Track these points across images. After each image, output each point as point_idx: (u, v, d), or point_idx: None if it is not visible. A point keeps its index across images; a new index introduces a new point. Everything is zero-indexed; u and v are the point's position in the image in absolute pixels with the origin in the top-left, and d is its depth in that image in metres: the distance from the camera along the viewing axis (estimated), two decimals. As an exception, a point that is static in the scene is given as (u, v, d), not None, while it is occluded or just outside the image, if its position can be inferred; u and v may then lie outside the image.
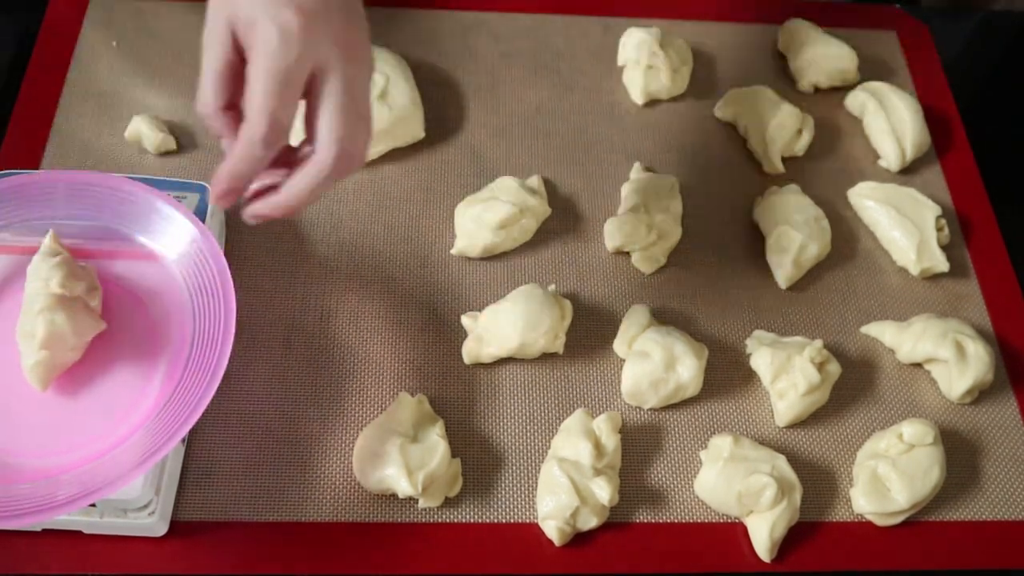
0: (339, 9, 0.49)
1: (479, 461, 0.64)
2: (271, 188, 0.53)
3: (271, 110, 0.48)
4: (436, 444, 0.61)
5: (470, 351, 0.67)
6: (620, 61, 0.85)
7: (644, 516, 0.62)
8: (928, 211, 0.75)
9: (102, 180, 0.63)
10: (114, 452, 0.55)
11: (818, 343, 0.66)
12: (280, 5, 0.47)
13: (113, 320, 0.61)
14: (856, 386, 0.69)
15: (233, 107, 0.51)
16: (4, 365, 0.59)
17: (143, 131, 0.74)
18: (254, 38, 0.48)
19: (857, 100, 0.83)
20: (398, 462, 0.59)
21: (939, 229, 0.75)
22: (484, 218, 0.71)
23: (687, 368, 0.65)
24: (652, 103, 0.83)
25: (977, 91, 0.91)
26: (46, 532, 0.58)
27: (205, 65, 0.50)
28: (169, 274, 0.62)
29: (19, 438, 0.57)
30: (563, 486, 0.60)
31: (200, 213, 0.65)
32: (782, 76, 0.87)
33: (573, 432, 0.62)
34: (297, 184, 0.51)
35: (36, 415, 0.58)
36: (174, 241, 0.62)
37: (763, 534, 0.60)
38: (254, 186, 0.53)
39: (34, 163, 0.73)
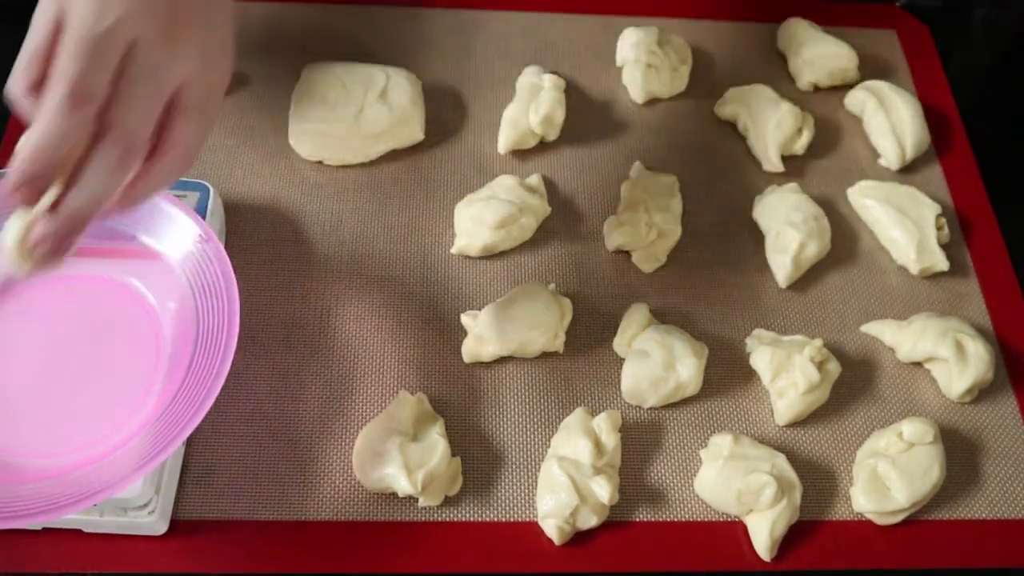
0: None
1: (479, 460, 0.63)
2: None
3: (74, 73, 0.43)
4: (436, 443, 0.61)
5: (470, 350, 0.67)
6: (619, 62, 0.85)
7: (644, 515, 0.62)
8: (928, 210, 0.75)
9: None
10: (118, 452, 0.55)
11: (818, 342, 0.66)
12: None
13: (117, 319, 0.61)
14: (856, 385, 0.69)
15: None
16: (7, 366, 0.59)
17: None
18: (71, 6, 0.44)
19: (857, 99, 0.83)
20: (398, 461, 0.59)
21: (939, 228, 0.75)
22: (484, 217, 0.71)
23: (687, 367, 0.65)
24: (652, 102, 0.83)
25: (977, 91, 0.91)
26: (46, 531, 0.58)
27: (26, 42, 0.46)
28: (173, 274, 0.62)
29: (22, 438, 0.57)
30: (563, 485, 0.60)
31: (200, 212, 0.65)
32: (782, 75, 0.87)
33: (573, 430, 0.62)
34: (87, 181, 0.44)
35: (39, 415, 0.58)
36: (177, 241, 0.62)
37: (763, 533, 0.60)
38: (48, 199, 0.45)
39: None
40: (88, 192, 0.44)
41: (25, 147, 0.44)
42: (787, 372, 0.66)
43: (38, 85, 0.45)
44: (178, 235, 0.62)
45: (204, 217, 0.65)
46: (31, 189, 0.44)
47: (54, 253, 0.44)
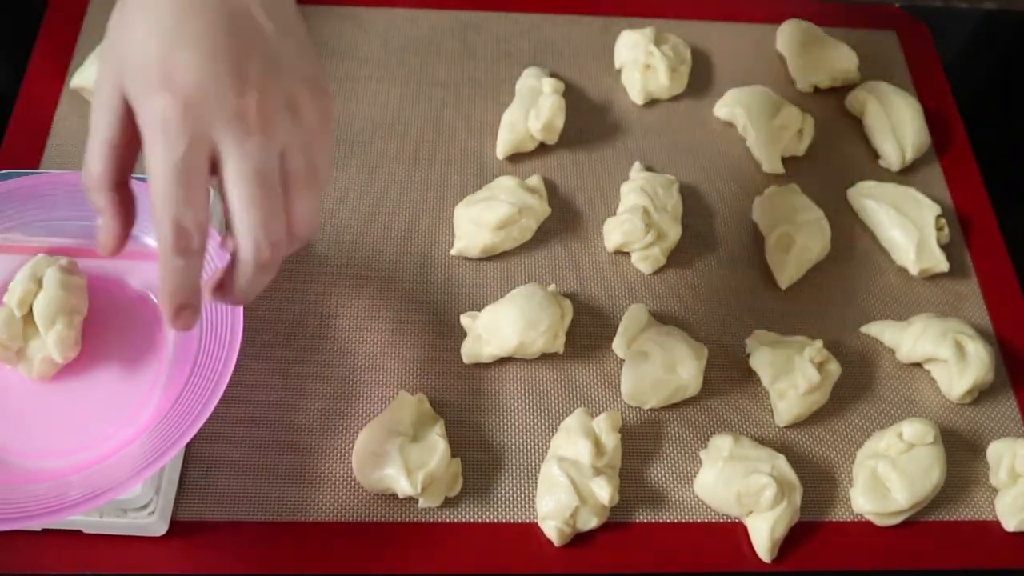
0: (231, 73, 0.42)
1: (479, 461, 0.63)
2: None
3: (172, 217, 0.42)
4: (436, 444, 0.61)
5: (469, 351, 0.67)
6: (617, 64, 0.85)
7: (644, 516, 0.62)
8: (928, 210, 0.75)
9: None
10: (122, 453, 0.55)
11: (818, 343, 0.66)
12: (155, 90, 0.41)
13: (120, 320, 0.61)
14: (856, 386, 0.69)
15: (124, 184, 0.46)
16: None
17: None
18: (141, 126, 0.42)
19: (857, 100, 0.83)
20: (398, 462, 0.59)
21: (939, 228, 0.75)
22: (483, 218, 0.71)
23: (687, 368, 0.65)
24: (651, 103, 0.83)
25: (977, 91, 0.91)
26: (46, 532, 0.58)
27: (93, 131, 0.44)
28: None
29: (25, 439, 0.57)
30: (563, 486, 0.60)
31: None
32: (782, 76, 0.87)
33: (573, 431, 0.62)
34: (236, 284, 0.45)
35: (43, 416, 0.58)
36: None
37: (763, 534, 0.60)
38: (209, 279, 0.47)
39: (34, 163, 0.73)
40: (242, 287, 0.45)
41: (166, 295, 0.44)
42: (787, 373, 0.66)
43: (111, 178, 0.45)
44: None
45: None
46: (189, 318, 0.45)
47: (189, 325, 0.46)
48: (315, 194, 0.46)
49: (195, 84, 0.41)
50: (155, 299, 0.62)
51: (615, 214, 0.75)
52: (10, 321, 0.58)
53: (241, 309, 0.57)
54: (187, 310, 0.44)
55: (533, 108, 0.77)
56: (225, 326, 0.57)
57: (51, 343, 0.57)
